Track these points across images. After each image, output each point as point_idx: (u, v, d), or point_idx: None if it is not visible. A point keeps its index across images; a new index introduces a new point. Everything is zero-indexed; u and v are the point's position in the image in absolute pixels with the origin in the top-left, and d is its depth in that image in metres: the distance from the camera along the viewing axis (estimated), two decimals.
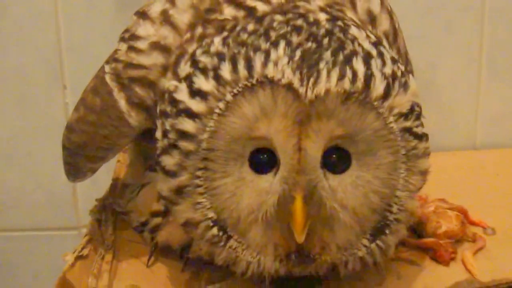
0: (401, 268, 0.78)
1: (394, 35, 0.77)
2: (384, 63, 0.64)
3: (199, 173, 0.66)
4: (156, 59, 0.72)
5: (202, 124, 0.64)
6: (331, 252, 0.68)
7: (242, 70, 0.63)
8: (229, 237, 0.68)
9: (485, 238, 0.83)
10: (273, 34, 0.65)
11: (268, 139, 0.64)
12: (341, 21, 0.68)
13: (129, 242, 0.85)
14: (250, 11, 0.71)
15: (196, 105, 0.64)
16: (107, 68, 0.76)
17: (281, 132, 0.63)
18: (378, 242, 0.68)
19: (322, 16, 0.68)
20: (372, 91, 0.63)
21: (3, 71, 1.13)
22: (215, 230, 0.68)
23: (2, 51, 1.12)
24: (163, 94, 0.69)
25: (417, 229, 0.83)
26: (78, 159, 0.77)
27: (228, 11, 0.71)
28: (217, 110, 0.64)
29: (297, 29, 0.65)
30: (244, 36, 0.66)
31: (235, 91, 0.63)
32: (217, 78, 0.64)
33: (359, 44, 0.65)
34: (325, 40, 0.64)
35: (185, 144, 0.65)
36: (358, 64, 0.63)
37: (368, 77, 0.62)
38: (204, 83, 0.64)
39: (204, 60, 0.66)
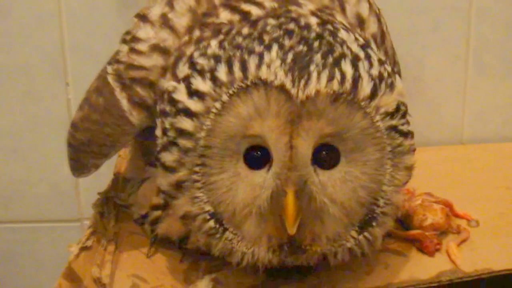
0: (388, 258, 0.79)
1: (381, 37, 0.78)
2: (371, 65, 0.66)
3: (196, 169, 0.67)
4: (156, 60, 0.74)
5: (199, 123, 0.66)
6: (321, 243, 0.69)
7: (237, 72, 0.64)
8: (225, 229, 0.69)
9: (469, 230, 0.83)
10: (266, 38, 0.66)
11: (261, 137, 0.65)
12: (331, 25, 0.69)
13: (130, 234, 0.85)
14: (245, 15, 0.72)
15: (194, 105, 0.66)
16: (109, 69, 0.77)
17: (274, 131, 0.64)
18: (365, 234, 0.70)
19: (313, 20, 0.70)
20: (360, 91, 0.64)
21: (9, 68, 1.13)
22: (212, 223, 0.69)
23: (8, 49, 1.12)
24: (163, 94, 0.70)
25: (404, 222, 0.84)
26: (83, 155, 0.78)
27: (224, 15, 0.73)
28: (213, 110, 0.65)
29: (289, 33, 0.66)
30: (239, 39, 0.67)
31: (230, 91, 0.64)
32: (214, 79, 0.65)
33: (348, 47, 0.66)
34: (316, 44, 0.65)
35: (183, 142, 0.67)
36: (347, 66, 0.64)
37: (356, 79, 0.64)
38: (202, 84, 0.65)
39: (202, 62, 0.67)
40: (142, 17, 0.77)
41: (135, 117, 0.75)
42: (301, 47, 0.65)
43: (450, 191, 0.92)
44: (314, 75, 0.63)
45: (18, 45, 1.12)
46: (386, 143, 0.67)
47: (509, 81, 1.16)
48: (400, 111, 0.67)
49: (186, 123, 0.66)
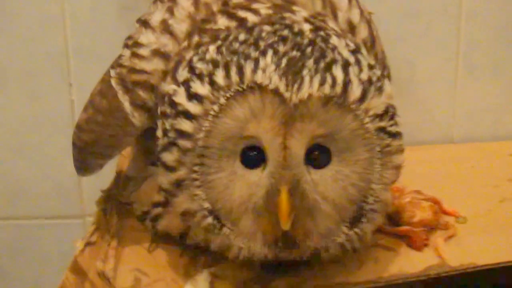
0: (379, 253, 0.79)
1: (372, 42, 0.79)
2: (361, 70, 0.67)
3: (196, 168, 0.68)
4: (157, 65, 0.75)
5: (198, 125, 0.67)
6: (314, 238, 0.70)
7: (234, 76, 0.65)
8: (222, 225, 0.70)
9: (456, 226, 0.84)
10: (261, 44, 0.67)
11: (257, 138, 0.66)
12: (323, 31, 0.70)
13: (132, 230, 0.86)
14: (241, 22, 0.73)
15: (193, 107, 0.66)
16: (112, 73, 0.77)
17: (268, 132, 0.65)
18: (355, 229, 0.70)
19: (306, 27, 0.71)
20: (350, 95, 0.65)
21: (15, 70, 1.14)
22: (210, 219, 0.70)
23: (14, 51, 1.13)
24: (163, 96, 0.71)
25: (394, 218, 0.84)
26: (87, 156, 0.79)
27: (222, 22, 0.74)
28: (212, 112, 0.66)
29: (283, 39, 0.67)
30: (236, 45, 0.68)
31: (228, 95, 0.65)
32: (212, 83, 0.66)
33: (339, 53, 0.67)
34: (308, 49, 0.66)
35: (183, 142, 0.67)
36: (338, 71, 0.65)
37: (346, 83, 0.65)
38: (200, 88, 0.66)
39: (200, 66, 0.67)
40: (144, 23, 0.78)
41: (137, 118, 0.76)
42: (295, 53, 0.66)
43: (440, 189, 0.92)
44: (307, 79, 0.64)
45: (24, 47, 1.13)
46: (375, 143, 0.68)
47: (498, 82, 1.16)
48: (388, 113, 0.68)
49: (185, 125, 0.67)
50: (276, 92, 0.64)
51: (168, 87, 0.71)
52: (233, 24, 0.74)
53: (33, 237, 1.25)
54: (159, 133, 0.71)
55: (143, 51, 0.76)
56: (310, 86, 0.64)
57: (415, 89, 1.16)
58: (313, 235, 0.70)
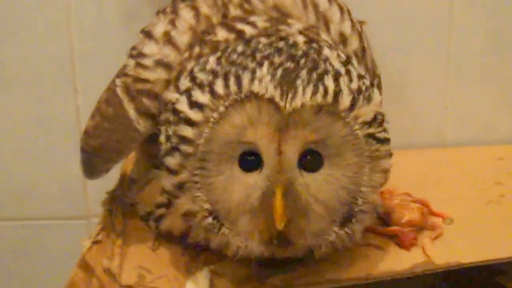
0: (369, 252, 0.80)
1: (362, 52, 0.80)
2: (351, 80, 0.68)
3: (196, 171, 0.69)
4: (160, 74, 0.76)
5: (199, 131, 0.68)
6: (307, 237, 0.71)
7: (233, 86, 0.66)
8: (221, 225, 0.71)
9: (443, 227, 0.85)
10: (258, 55, 0.69)
11: (254, 144, 0.67)
12: (316, 43, 0.72)
13: (137, 229, 0.86)
14: (240, 34, 0.75)
15: (194, 115, 0.68)
16: (118, 82, 0.79)
17: (264, 138, 0.67)
18: (346, 229, 0.72)
19: (300, 39, 0.72)
20: (340, 104, 0.66)
21: (23, 76, 1.15)
22: (210, 219, 0.71)
23: (22, 58, 1.14)
24: (166, 104, 0.72)
25: (385, 219, 0.86)
26: (95, 160, 0.80)
27: (221, 34, 0.76)
28: (212, 119, 0.67)
29: (279, 51, 0.69)
30: (234, 56, 0.69)
31: (226, 103, 0.67)
32: (212, 92, 0.67)
33: (330, 64, 0.69)
34: (302, 61, 0.68)
35: (185, 148, 0.69)
36: (329, 81, 0.67)
37: (337, 92, 0.66)
38: (201, 96, 0.68)
39: (201, 76, 0.69)
40: (147, 34, 0.79)
41: (142, 125, 0.77)
42: (289, 64, 0.68)
43: (430, 191, 0.94)
44: (300, 89, 0.65)
45: (31, 54, 1.14)
46: (364, 148, 0.69)
47: (487, 88, 1.17)
48: (377, 120, 0.70)
49: (187, 131, 0.69)
50: (271, 101, 0.66)
51: (171, 95, 0.72)
52: (232, 36, 0.75)
53: (39, 237, 1.26)
54: (162, 138, 0.72)
55: (147, 61, 0.78)
56: (303, 96, 0.66)
57: (407, 95, 1.17)
58: (306, 234, 0.71)
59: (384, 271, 0.78)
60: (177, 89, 0.72)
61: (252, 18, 0.78)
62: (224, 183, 0.71)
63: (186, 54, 0.76)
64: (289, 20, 0.78)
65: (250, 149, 0.69)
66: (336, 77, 0.68)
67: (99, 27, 1.13)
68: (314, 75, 0.67)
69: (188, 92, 0.70)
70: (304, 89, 0.66)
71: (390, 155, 0.73)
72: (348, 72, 0.69)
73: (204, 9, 0.79)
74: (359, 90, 0.69)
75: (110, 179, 0.91)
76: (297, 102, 0.66)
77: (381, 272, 0.78)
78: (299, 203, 0.69)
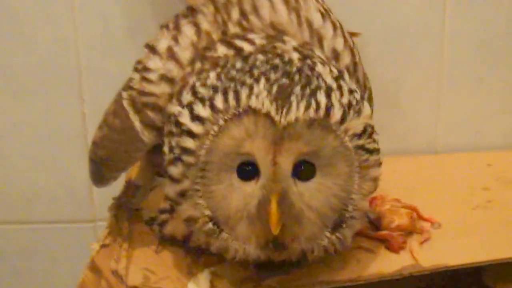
0: (360, 254, 0.83)
1: (354, 67, 0.82)
2: (342, 94, 0.71)
3: (198, 180, 0.72)
4: (163, 88, 0.78)
5: (200, 143, 0.70)
6: (300, 241, 0.73)
7: (232, 101, 0.69)
8: (221, 230, 0.74)
9: (431, 231, 0.88)
10: (255, 72, 0.71)
11: (251, 155, 0.70)
12: (310, 60, 0.74)
13: (141, 233, 0.88)
14: (238, 51, 0.77)
15: (196, 128, 0.70)
16: (124, 95, 0.81)
17: (261, 150, 0.69)
18: (337, 234, 0.74)
19: (295, 56, 0.75)
20: (332, 117, 0.69)
21: (32, 87, 1.16)
22: (210, 225, 0.73)
23: (31, 69, 1.15)
24: (170, 117, 0.74)
25: (376, 223, 0.88)
26: (103, 169, 0.81)
27: (221, 50, 0.78)
28: (212, 132, 0.70)
29: (274, 68, 0.71)
30: (233, 72, 0.72)
31: (226, 117, 0.69)
32: (212, 106, 0.69)
33: (323, 80, 0.71)
34: (296, 77, 0.71)
35: (187, 158, 0.71)
36: (321, 97, 0.69)
37: (329, 107, 0.69)
38: (202, 110, 0.70)
39: (202, 91, 0.71)
40: (152, 49, 0.81)
41: (147, 136, 0.79)
42: (284, 80, 0.70)
43: (420, 196, 0.97)
44: (294, 104, 0.68)
45: (40, 65, 1.15)
46: (354, 159, 0.72)
47: (478, 97, 1.18)
48: (367, 132, 0.72)
49: (189, 143, 0.71)
50: (267, 115, 0.68)
51: (174, 108, 0.74)
52: (231, 52, 0.77)
53: (47, 240, 1.26)
54: (165, 149, 0.74)
55: (151, 76, 0.80)
56: (297, 110, 0.68)
57: (401, 103, 1.18)
58: (299, 239, 0.73)
59: (374, 273, 0.80)
60: (180, 102, 0.74)
61: (250, 36, 0.80)
62: (224, 191, 0.73)
63: (188, 69, 0.78)
64: (285, 37, 0.80)
65: (247, 160, 0.71)
66: (328, 92, 0.70)
67: (104, 40, 1.13)
68: (307, 91, 0.70)
69: (190, 105, 0.72)
70: (298, 104, 0.68)
71: (380, 164, 0.75)
72: (339, 87, 0.72)
73: (205, 25, 0.81)
74: (349, 104, 0.71)
75: (115, 184, 0.90)
76: (291, 117, 0.68)
77: (371, 274, 0.80)
78: (293, 210, 0.71)
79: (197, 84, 0.74)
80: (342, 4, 1.06)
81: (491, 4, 1.13)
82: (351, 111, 0.71)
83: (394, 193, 0.94)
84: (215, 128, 0.70)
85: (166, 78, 0.79)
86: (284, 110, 0.68)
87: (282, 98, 0.69)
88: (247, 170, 0.72)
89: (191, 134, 0.71)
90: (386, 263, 0.82)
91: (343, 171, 0.73)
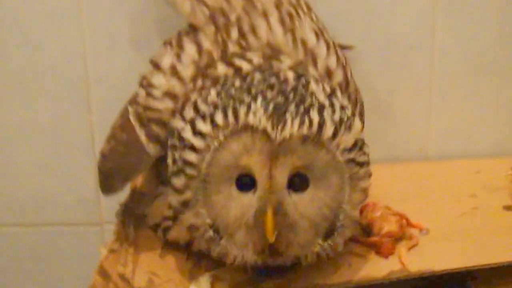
0: (352, 259, 0.85)
1: (346, 84, 0.84)
2: (333, 112, 0.73)
3: (199, 191, 0.74)
4: (167, 104, 0.81)
5: (201, 156, 0.73)
6: (294, 248, 0.75)
7: (231, 118, 0.71)
8: (221, 237, 0.76)
9: (419, 237, 0.90)
10: (253, 90, 0.74)
11: (249, 168, 0.72)
12: (304, 78, 0.77)
13: (147, 238, 0.90)
14: (237, 70, 0.80)
15: (197, 142, 0.73)
16: (130, 110, 0.83)
17: (258, 164, 0.72)
18: (329, 241, 0.77)
19: (290, 74, 0.77)
20: (324, 133, 0.71)
21: (42, 97, 1.18)
22: (211, 232, 0.76)
23: (41, 81, 1.17)
24: (173, 131, 0.77)
25: (367, 230, 0.91)
26: (111, 180, 0.83)
27: (221, 68, 0.80)
28: (212, 147, 0.72)
29: (271, 86, 0.74)
30: (232, 90, 0.74)
31: (225, 133, 0.71)
32: (213, 122, 0.72)
33: (316, 98, 0.74)
34: (291, 95, 0.73)
35: (189, 170, 0.74)
36: (314, 114, 0.72)
37: (321, 124, 0.71)
38: (203, 126, 0.73)
39: (203, 108, 0.74)
40: (156, 65, 0.84)
41: (152, 149, 0.81)
42: (280, 99, 0.73)
43: (410, 203, 0.99)
44: (289, 121, 0.71)
45: (49, 75, 1.17)
46: (345, 171, 0.74)
47: (467, 107, 1.20)
48: (357, 146, 0.75)
49: (191, 156, 0.73)
50: (264, 131, 0.71)
51: (177, 123, 0.77)
52: (230, 71, 0.80)
53: (56, 242, 1.29)
54: (169, 161, 0.77)
55: (155, 92, 0.82)
56: (291, 127, 0.71)
57: (394, 113, 1.20)
58: (293, 246, 0.76)
59: (364, 277, 0.83)
60: (183, 118, 0.77)
61: (249, 55, 0.82)
62: (223, 201, 0.75)
63: (190, 86, 0.81)
64: (281, 57, 0.82)
65: (245, 172, 0.74)
66: (321, 110, 0.73)
67: (111, 52, 1.15)
68: (301, 109, 0.72)
69: (192, 121, 0.74)
70: (292, 121, 0.71)
71: (369, 175, 0.78)
72: (331, 105, 0.74)
73: (206, 44, 0.84)
74: (341, 121, 0.74)
75: None
76: (286, 133, 0.71)
77: (361, 278, 0.83)
78: (287, 219, 0.74)
79: (199, 100, 0.76)
80: (337, 18, 1.11)
81: (480, 17, 1.15)
82: (342, 127, 0.73)
83: (386, 199, 0.96)
84: (216, 143, 0.72)
85: (169, 95, 0.81)
86: (280, 127, 0.71)
87: (277, 116, 0.71)
88: (245, 182, 0.74)
89: (193, 148, 0.73)
90: (376, 268, 0.84)
91: (334, 183, 0.75)
